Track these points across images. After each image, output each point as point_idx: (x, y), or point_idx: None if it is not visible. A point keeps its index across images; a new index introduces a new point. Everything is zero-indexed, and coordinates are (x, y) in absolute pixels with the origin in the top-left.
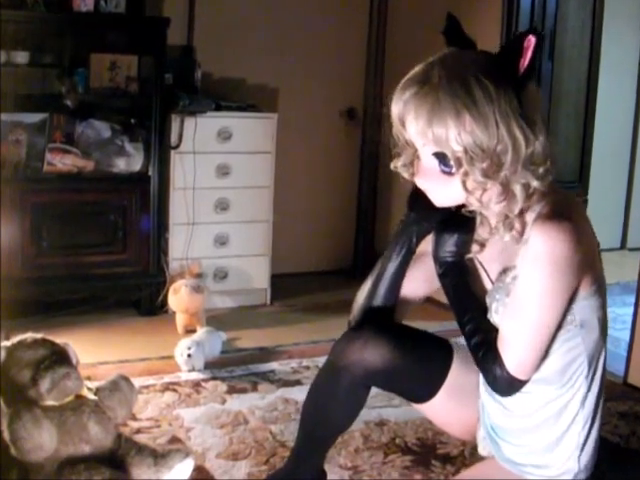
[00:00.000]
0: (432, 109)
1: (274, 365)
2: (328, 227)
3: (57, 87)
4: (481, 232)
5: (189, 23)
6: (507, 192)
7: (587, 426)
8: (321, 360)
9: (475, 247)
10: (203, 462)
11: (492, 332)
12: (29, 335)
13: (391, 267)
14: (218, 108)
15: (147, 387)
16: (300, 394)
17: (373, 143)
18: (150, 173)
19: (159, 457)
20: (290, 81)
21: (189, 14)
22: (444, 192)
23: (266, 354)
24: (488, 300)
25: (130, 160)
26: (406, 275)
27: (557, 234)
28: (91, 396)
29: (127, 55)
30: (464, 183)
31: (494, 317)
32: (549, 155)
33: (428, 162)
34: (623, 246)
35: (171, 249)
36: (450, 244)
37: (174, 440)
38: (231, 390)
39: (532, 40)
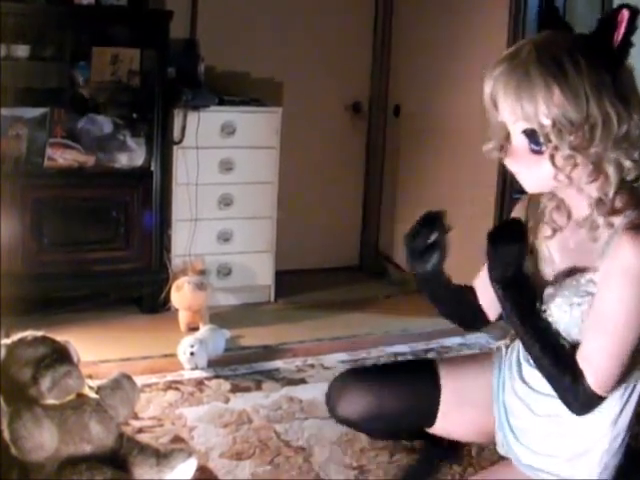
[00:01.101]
0: (520, 84)
1: (278, 363)
2: (333, 223)
3: (58, 81)
4: (556, 217)
5: (192, 16)
6: (599, 171)
7: (615, 445)
8: (326, 358)
9: (548, 231)
10: (206, 462)
11: (564, 349)
12: (29, 333)
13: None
14: (221, 102)
15: (149, 386)
16: (305, 393)
17: (379, 137)
18: (152, 168)
19: (161, 457)
20: (295, 75)
21: (192, 7)
22: (534, 174)
23: (270, 352)
24: (551, 291)
25: (132, 155)
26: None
27: None
28: (92, 395)
29: (129, 48)
30: (552, 158)
31: (553, 311)
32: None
33: (518, 142)
34: None
35: (174, 245)
36: (505, 258)
37: (177, 439)
38: (235, 389)
39: (625, 14)
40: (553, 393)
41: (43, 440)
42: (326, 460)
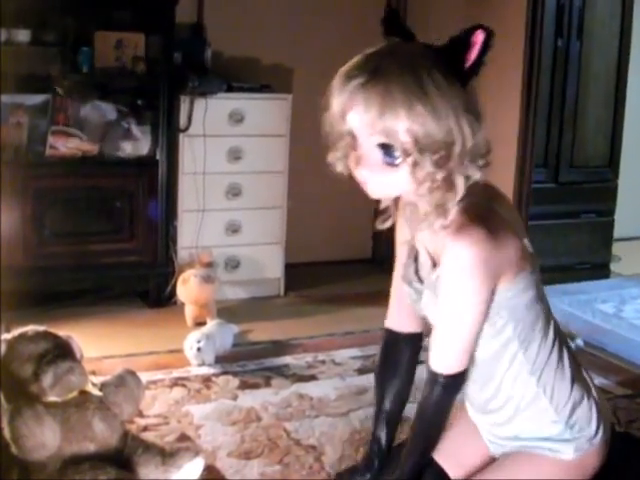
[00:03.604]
0: (383, 101)
1: (288, 359)
2: (345, 214)
3: (60, 67)
4: (413, 219)
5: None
6: (449, 183)
7: (562, 394)
8: (338, 354)
9: (408, 234)
10: (213, 461)
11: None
12: (31, 328)
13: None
14: (229, 89)
15: (155, 382)
16: (315, 389)
17: None
18: (158, 157)
19: (167, 456)
20: (306, 61)
21: None
22: (385, 183)
23: (280, 348)
24: (423, 287)
25: (137, 144)
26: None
27: (470, 243)
28: (96, 392)
29: (134, 33)
30: (414, 173)
31: (425, 306)
32: (489, 147)
33: (371, 153)
34: None
35: (180, 237)
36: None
37: (183, 438)
38: (243, 385)
39: (480, 35)
40: (479, 390)
41: (45, 439)
42: (338, 459)
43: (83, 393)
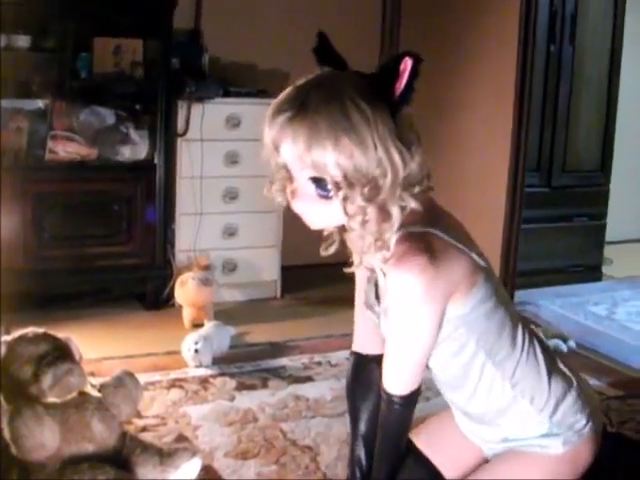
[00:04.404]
0: (310, 134)
1: (285, 361)
2: None
3: (59, 72)
4: (355, 248)
5: (196, 5)
6: (383, 214)
7: (541, 394)
8: (334, 355)
9: (357, 260)
10: (211, 461)
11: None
12: (30, 329)
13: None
14: (226, 94)
15: (153, 383)
16: (312, 391)
17: None
18: (156, 161)
19: (165, 456)
20: (302, 66)
21: None
22: (321, 215)
23: (276, 349)
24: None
25: (135, 148)
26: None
27: (412, 273)
28: (94, 393)
29: (132, 39)
30: (344, 208)
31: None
32: (426, 173)
33: (304, 186)
34: None
35: (178, 240)
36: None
37: (181, 439)
38: (240, 387)
39: (409, 62)
40: (459, 400)
41: (44, 439)
42: (334, 459)
43: (82, 394)
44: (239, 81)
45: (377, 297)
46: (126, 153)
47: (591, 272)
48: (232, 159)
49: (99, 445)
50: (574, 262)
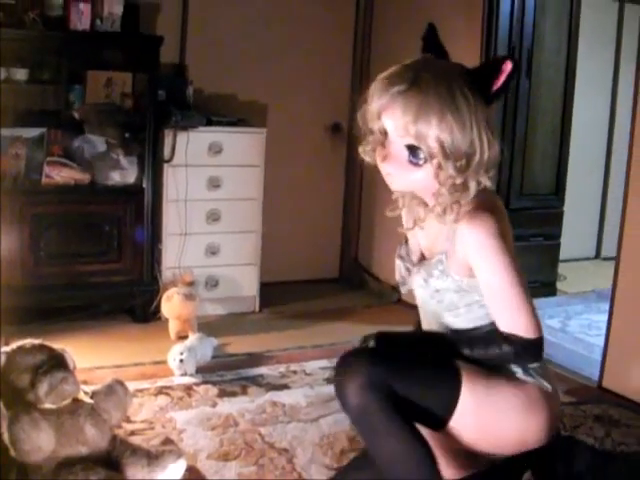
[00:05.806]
0: (420, 108)
1: (263, 370)
2: (315, 237)
3: (55, 103)
4: (418, 211)
5: (181, 42)
6: (464, 186)
7: None
8: (308, 365)
9: (410, 223)
10: (195, 463)
11: (482, 339)
12: (28, 341)
13: None
14: (209, 123)
15: (141, 391)
16: (288, 397)
17: (357, 157)
18: (144, 185)
19: (153, 458)
20: (279, 97)
21: (181, 33)
22: (406, 179)
23: (255, 359)
24: (415, 271)
25: (125, 173)
26: None
27: (480, 223)
28: (87, 399)
29: (122, 72)
30: (437, 175)
31: (415, 287)
32: (498, 160)
33: (398, 151)
34: (598, 255)
35: (164, 258)
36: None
37: (167, 442)
38: (222, 394)
39: (509, 65)
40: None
41: (41, 442)
42: (308, 461)
43: (76, 401)
44: (221, 111)
45: (407, 254)
46: (116, 178)
47: (546, 288)
48: (214, 183)
49: (92, 448)
50: (530, 278)
